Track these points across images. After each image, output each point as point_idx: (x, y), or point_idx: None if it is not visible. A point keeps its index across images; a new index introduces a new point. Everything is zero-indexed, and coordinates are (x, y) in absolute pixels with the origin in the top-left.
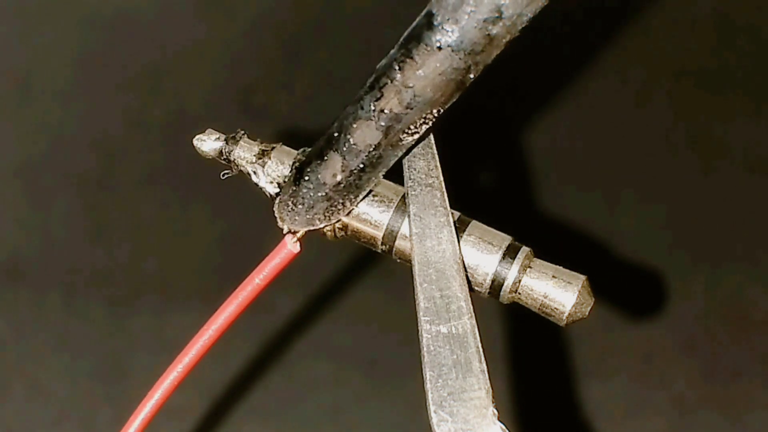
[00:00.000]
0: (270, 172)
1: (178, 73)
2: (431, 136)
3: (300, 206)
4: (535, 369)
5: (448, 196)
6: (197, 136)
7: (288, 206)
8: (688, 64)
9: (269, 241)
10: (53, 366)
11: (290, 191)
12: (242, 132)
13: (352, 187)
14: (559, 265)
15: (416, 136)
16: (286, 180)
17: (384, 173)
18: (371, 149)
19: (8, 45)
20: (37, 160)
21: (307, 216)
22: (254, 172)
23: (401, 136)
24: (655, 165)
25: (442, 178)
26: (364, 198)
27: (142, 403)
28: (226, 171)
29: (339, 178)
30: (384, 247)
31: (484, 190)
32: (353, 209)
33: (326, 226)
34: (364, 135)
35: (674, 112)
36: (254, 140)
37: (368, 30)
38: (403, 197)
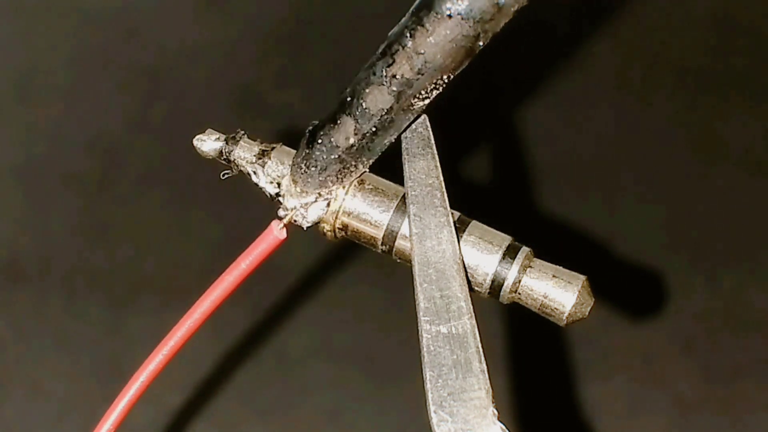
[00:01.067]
0: (270, 172)
1: (178, 73)
2: (431, 137)
3: (313, 168)
4: (535, 369)
5: (448, 196)
6: (197, 137)
7: (301, 169)
8: (689, 63)
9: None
10: (53, 366)
11: (303, 154)
12: (242, 132)
13: (365, 149)
14: (559, 266)
15: (427, 101)
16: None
17: (396, 135)
18: (383, 113)
19: (8, 45)
20: (36, 160)
21: (320, 178)
22: (254, 172)
23: (413, 101)
24: (654, 165)
25: (442, 178)
26: (375, 160)
27: (126, 385)
28: (226, 171)
29: (352, 140)
30: (384, 247)
31: (484, 190)
32: (353, 210)
33: (338, 188)
34: (376, 99)
35: (674, 112)
36: (254, 140)
37: (368, 29)
38: (403, 197)
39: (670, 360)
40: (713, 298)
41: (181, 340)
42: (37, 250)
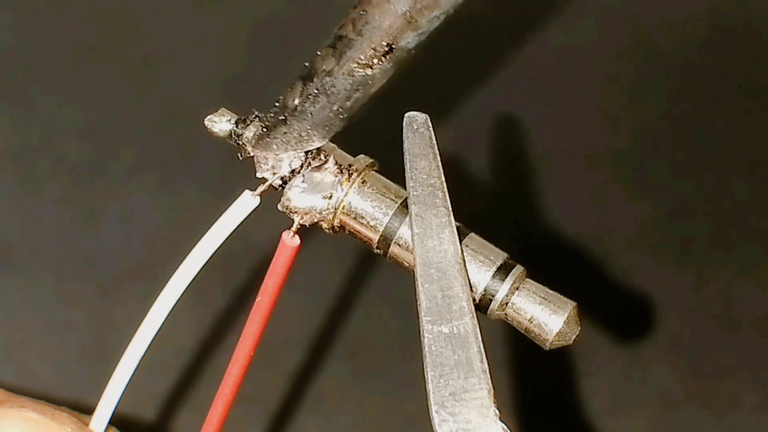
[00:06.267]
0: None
1: (172, 62)
2: (433, 137)
3: (264, 130)
4: (537, 369)
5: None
6: (209, 116)
7: (260, 131)
8: (680, 61)
9: (259, 232)
10: (41, 349)
11: (266, 117)
12: (255, 115)
13: (307, 114)
14: (549, 288)
15: (368, 71)
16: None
17: (341, 113)
18: (325, 74)
19: (4, 34)
20: (30, 146)
21: (270, 141)
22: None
23: (353, 66)
24: (643, 162)
25: (443, 179)
26: (327, 137)
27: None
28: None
29: (296, 102)
30: (379, 251)
31: (472, 186)
32: (353, 210)
33: (291, 157)
34: (323, 61)
35: (665, 110)
36: None
37: None
38: (405, 198)
39: (657, 357)
40: (701, 296)
41: (241, 368)
42: (28, 234)
